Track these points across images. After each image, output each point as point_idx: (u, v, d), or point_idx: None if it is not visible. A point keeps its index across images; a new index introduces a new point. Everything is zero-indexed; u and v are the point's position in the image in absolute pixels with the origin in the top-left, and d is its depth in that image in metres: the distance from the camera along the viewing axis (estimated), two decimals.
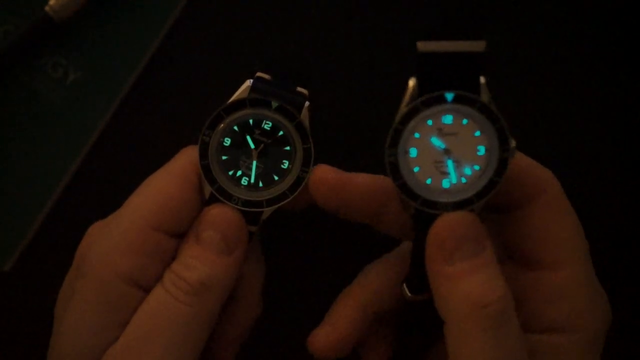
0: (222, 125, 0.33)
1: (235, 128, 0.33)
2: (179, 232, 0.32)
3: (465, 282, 0.28)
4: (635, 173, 0.42)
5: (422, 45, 0.29)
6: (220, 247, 0.31)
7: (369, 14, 0.42)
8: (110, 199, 0.34)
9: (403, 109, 0.29)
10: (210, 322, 0.32)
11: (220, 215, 0.32)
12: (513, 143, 0.30)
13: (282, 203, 0.33)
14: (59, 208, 0.41)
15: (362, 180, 0.32)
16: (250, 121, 0.33)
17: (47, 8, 0.40)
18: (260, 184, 0.33)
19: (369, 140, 0.35)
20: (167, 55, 0.42)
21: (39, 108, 0.41)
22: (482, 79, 0.29)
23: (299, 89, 0.33)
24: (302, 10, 0.42)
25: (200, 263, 0.31)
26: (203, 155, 0.32)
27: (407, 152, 0.30)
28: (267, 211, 0.33)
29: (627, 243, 0.42)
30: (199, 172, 0.32)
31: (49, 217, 0.41)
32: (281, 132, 0.33)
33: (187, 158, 0.33)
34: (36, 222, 0.41)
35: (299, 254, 0.41)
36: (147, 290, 0.31)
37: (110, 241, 0.31)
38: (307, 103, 0.33)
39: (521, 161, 0.32)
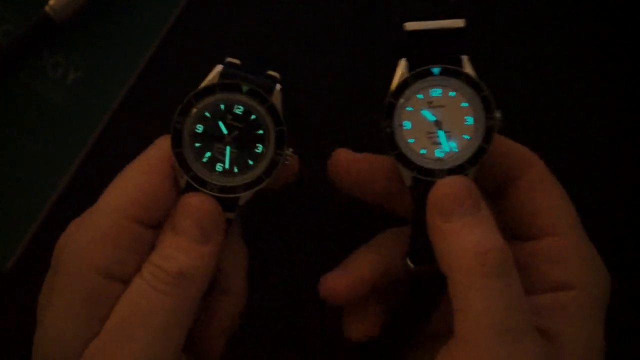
0: (193, 111, 0.32)
1: (207, 114, 0.33)
2: (156, 223, 0.32)
3: (465, 236, 0.30)
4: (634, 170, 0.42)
5: (409, 25, 0.33)
6: (197, 235, 0.31)
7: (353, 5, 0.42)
8: None
9: (394, 83, 0.32)
10: (191, 312, 0.31)
11: (195, 204, 0.32)
12: (498, 113, 0.32)
13: (258, 187, 0.32)
14: (59, 208, 0.41)
15: (379, 160, 0.34)
16: (222, 106, 0.32)
17: (47, 8, 0.40)
18: (235, 169, 0.33)
19: (350, 126, 0.36)
20: (167, 55, 0.42)
21: (39, 108, 0.41)
22: (465, 57, 0.32)
23: (270, 72, 0.33)
24: (303, 10, 0.42)
25: (179, 253, 0.31)
26: (176, 143, 0.32)
27: (401, 125, 0.32)
28: (244, 196, 0.32)
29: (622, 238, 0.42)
30: (173, 160, 0.32)
31: (49, 217, 0.41)
32: (253, 116, 0.32)
33: (160, 148, 0.33)
34: (36, 222, 0.41)
35: (283, 239, 0.41)
36: (125, 283, 0.31)
37: (86, 235, 0.31)
38: (278, 86, 0.32)
39: (506, 142, 0.34)
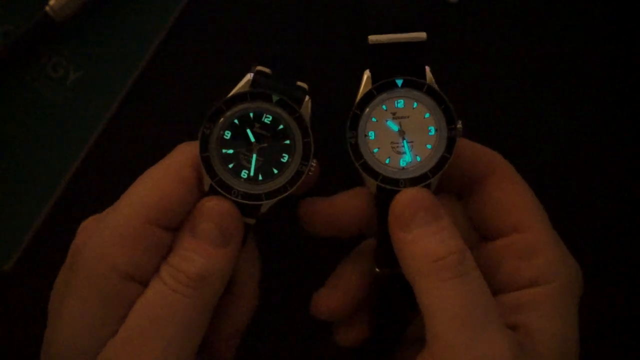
0: (222, 118, 0.33)
1: (236, 121, 0.33)
2: (175, 227, 0.32)
3: (424, 244, 0.31)
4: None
5: (373, 38, 0.33)
6: (216, 239, 0.31)
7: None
8: (110, 199, 0.34)
9: (359, 96, 0.33)
10: (209, 313, 0.32)
11: (215, 207, 0.32)
12: (459, 123, 0.33)
13: (281, 196, 0.33)
14: (59, 208, 0.41)
15: (347, 198, 0.35)
16: (251, 114, 0.33)
17: (47, 8, 0.40)
18: (260, 177, 0.33)
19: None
20: (167, 55, 0.42)
21: (39, 108, 0.41)
22: (428, 68, 0.33)
23: (299, 83, 0.33)
24: (302, 7, 0.42)
25: (198, 255, 0.31)
26: (203, 147, 0.32)
27: (366, 135, 0.33)
28: (266, 204, 0.33)
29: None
30: (199, 164, 0.32)
31: (49, 217, 0.41)
32: (281, 126, 0.33)
33: (183, 154, 0.33)
34: (36, 222, 0.41)
35: (294, 246, 0.42)
36: (143, 284, 0.31)
37: (106, 236, 0.31)
38: (307, 97, 0.33)
39: (471, 145, 0.35)
